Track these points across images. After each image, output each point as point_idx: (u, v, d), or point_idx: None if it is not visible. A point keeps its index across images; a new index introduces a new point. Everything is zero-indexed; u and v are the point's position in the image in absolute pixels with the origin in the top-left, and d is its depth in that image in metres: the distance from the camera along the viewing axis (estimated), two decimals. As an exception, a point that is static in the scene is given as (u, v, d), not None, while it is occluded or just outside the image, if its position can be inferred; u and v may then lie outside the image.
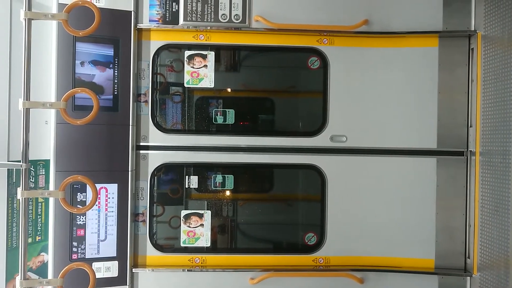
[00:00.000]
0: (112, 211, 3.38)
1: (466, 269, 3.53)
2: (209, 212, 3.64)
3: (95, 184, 3.04)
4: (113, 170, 3.37)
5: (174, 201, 3.70)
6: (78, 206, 3.26)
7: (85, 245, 3.32)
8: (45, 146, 3.29)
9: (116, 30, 3.37)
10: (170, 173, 3.70)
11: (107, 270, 3.35)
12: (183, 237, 3.61)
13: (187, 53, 3.61)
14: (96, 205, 3.29)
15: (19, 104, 2.88)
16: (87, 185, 3.07)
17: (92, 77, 3.33)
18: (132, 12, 3.40)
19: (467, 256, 3.53)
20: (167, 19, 3.51)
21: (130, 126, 3.41)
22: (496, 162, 3.19)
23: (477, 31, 3.46)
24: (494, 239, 3.18)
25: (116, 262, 3.37)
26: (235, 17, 3.52)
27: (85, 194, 3.30)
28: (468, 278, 3.48)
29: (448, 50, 3.57)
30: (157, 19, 3.50)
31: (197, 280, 3.52)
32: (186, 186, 3.67)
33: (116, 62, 3.37)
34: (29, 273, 2.99)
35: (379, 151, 3.62)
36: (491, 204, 3.23)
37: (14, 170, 3.11)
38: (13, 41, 3.10)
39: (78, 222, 3.31)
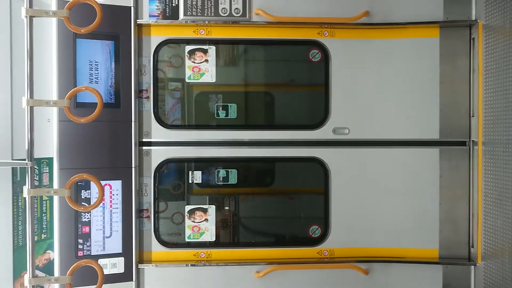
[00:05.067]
0: (117, 208, 3.38)
1: (470, 258, 3.55)
2: (213, 206, 3.65)
3: (100, 181, 3.04)
4: (116, 167, 3.37)
5: (178, 196, 3.70)
6: (83, 203, 3.26)
7: (90, 242, 3.32)
8: (48, 144, 3.29)
9: (116, 26, 3.35)
10: (174, 169, 3.70)
11: (113, 266, 3.36)
12: (187, 232, 3.62)
13: (188, 48, 3.60)
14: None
15: (23, 102, 2.87)
16: (92, 182, 3.07)
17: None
18: (132, 7, 3.38)
19: (471, 245, 3.56)
20: (167, 14, 3.49)
21: (133, 123, 3.40)
22: (499, 152, 3.20)
23: (478, 21, 3.45)
24: (498, 228, 3.20)
25: (122, 258, 3.38)
26: (235, 10, 3.51)
27: (89, 191, 3.30)
28: (472, 267, 3.51)
29: (449, 40, 3.57)
30: (157, 14, 3.48)
31: (202, 275, 3.53)
32: (190, 181, 3.67)
33: (117, 58, 3.36)
34: (36, 271, 2.99)
35: (381, 142, 3.63)
36: (494, 194, 3.25)
37: (19, 168, 3.11)
38: (14, 39, 3.09)
39: (83, 220, 3.31)
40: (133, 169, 3.40)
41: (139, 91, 3.52)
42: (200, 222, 3.63)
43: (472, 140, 3.54)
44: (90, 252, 3.32)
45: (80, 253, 3.29)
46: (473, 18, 3.50)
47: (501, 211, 3.16)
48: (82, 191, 3.30)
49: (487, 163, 3.36)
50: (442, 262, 3.55)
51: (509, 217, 3.07)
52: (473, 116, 3.54)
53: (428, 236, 3.59)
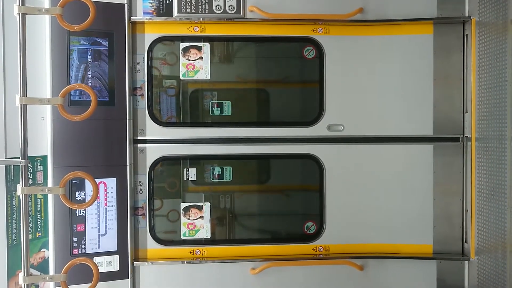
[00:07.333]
0: (112, 206, 3.37)
1: (464, 254, 3.58)
2: (209, 204, 3.65)
3: (94, 179, 3.03)
4: (111, 165, 3.36)
5: (173, 194, 3.70)
6: (77, 198, 3.25)
7: (85, 240, 3.32)
8: (42, 142, 3.27)
9: (110, 23, 3.33)
10: (169, 166, 3.70)
11: (108, 264, 3.35)
12: (183, 229, 3.62)
13: (182, 45, 3.59)
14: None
15: (16, 100, 2.86)
16: (86, 180, 3.06)
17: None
18: (126, 5, 3.37)
19: (464, 240, 3.58)
20: (161, 11, 3.48)
21: (127, 120, 3.39)
22: (492, 147, 3.22)
23: (471, 17, 3.47)
24: (491, 223, 3.23)
25: (117, 256, 3.38)
26: (230, 7, 3.50)
27: (83, 189, 3.29)
28: (466, 262, 3.54)
29: (442, 36, 3.58)
30: (151, 11, 3.47)
31: (198, 272, 3.53)
32: (185, 179, 3.68)
33: (111, 55, 3.34)
34: (31, 270, 2.98)
35: (376, 139, 3.64)
36: (488, 189, 3.27)
37: (12, 167, 3.10)
38: (6, 37, 3.07)
39: (78, 217, 3.30)
40: (127, 166, 3.39)
41: (133, 89, 3.51)
42: (195, 219, 3.63)
43: (466, 136, 3.57)
44: (85, 250, 3.31)
45: (75, 251, 3.29)
46: (467, 15, 3.52)
47: (494, 206, 3.19)
48: (77, 188, 3.29)
49: (480, 158, 3.38)
50: (436, 257, 3.57)
51: (502, 212, 3.09)
52: (466, 112, 3.56)
53: (422, 231, 3.61)
